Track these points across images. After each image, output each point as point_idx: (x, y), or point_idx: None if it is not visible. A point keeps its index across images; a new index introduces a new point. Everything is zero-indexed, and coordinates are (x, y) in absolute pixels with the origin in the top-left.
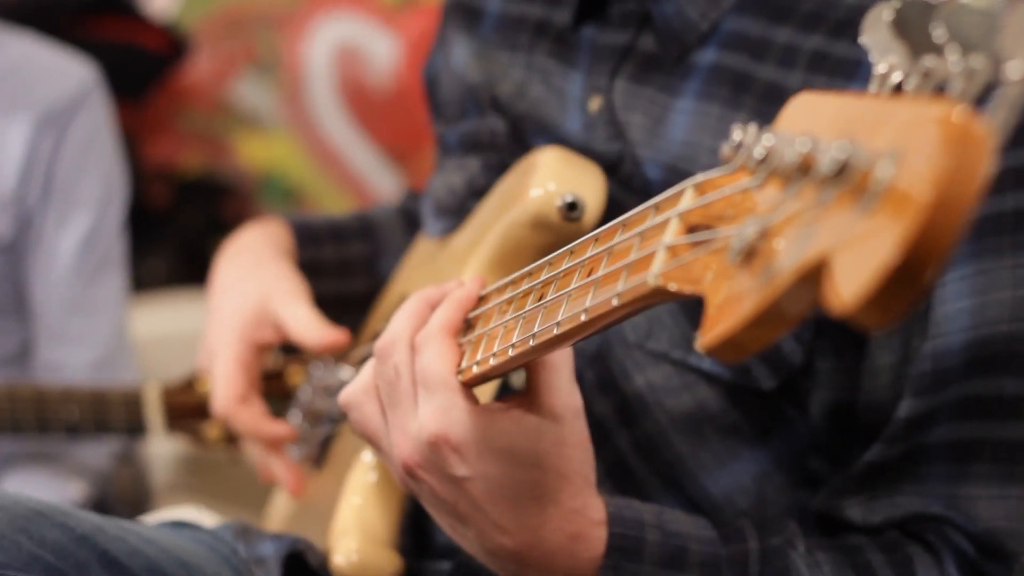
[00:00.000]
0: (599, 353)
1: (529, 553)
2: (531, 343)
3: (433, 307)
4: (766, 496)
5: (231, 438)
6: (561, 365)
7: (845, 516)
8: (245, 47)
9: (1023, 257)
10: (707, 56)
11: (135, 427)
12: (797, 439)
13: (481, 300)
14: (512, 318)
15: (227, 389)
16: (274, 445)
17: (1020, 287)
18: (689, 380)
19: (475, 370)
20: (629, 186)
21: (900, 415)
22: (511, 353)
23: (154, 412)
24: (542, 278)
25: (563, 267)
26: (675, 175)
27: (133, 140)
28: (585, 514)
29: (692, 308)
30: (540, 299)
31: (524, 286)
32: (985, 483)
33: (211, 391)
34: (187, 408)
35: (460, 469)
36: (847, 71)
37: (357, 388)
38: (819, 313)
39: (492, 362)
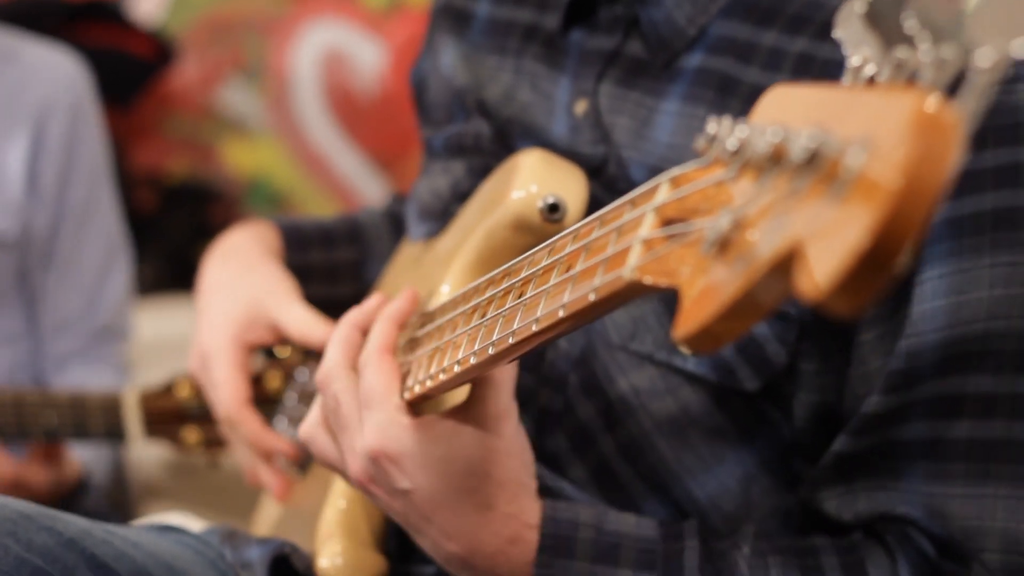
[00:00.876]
0: (583, 357)
1: (473, 558)
2: (510, 340)
3: (361, 329)
4: (752, 499)
5: (209, 443)
6: (501, 378)
7: (823, 508)
8: (231, 53)
9: (1001, 256)
10: (694, 60)
11: (113, 432)
12: (781, 442)
13: (436, 311)
14: (474, 327)
15: (231, 392)
16: (266, 452)
17: (997, 286)
18: (673, 383)
19: (416, 390)
20: (614, 188)
21: (866, 410)
22: (456, 370)
23: (132, 417)
24: (522, 276)
25: (542, 264)
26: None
27: (119, 146)
28: (519, 518)
29: (677, 309)
30: (520, 297)
31: (504, 284)
32: (960, 481)
33: (210, 395)
34: (166, 413)
35: (403, 482)
36: (832, 73)
37: (310, 423)
38: (804, 315)
39: (441, 378)
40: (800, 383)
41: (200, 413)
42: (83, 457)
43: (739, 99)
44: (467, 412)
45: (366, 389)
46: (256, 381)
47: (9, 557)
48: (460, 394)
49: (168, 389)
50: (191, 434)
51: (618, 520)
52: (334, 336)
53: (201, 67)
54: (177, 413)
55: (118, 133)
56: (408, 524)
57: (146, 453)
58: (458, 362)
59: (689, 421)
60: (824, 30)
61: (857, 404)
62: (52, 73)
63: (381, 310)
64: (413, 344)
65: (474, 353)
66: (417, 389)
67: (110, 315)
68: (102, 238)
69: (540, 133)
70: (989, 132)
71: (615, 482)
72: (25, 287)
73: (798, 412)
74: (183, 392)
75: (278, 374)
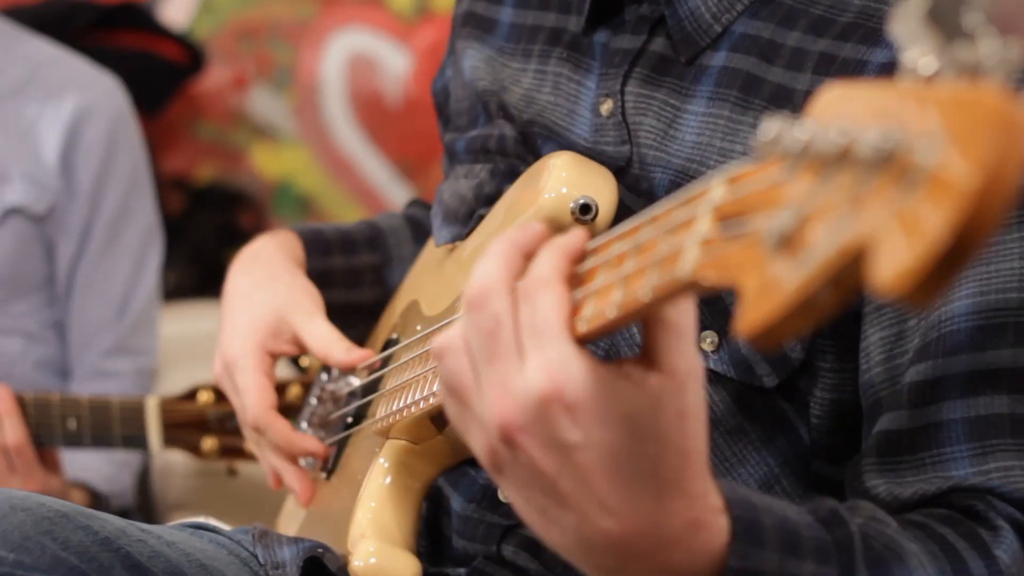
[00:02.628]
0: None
1: (639, 543)
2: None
3: (525, 254)
4: None
5: (227, 451)
6: (685, 328)
7: (876, 496)
8: (259, 58)
9: None
10: (718, 58)
11: (133, 439)
12: (800, 441)
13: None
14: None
15: (259, 398)
16: (293, 456)
17: None
18: None
19: (582, 328)
20: (636, 189)
21: (908, 380)
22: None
23: (152, 425)
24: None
25: (588, 265)
26: (684, 177)
27: (148, 149)
28: (706, 500)
29: (737, 307)
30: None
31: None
32: (1015, 455)
33: (234, 402)
34: (186, 421)
35: (572, 433)
36: (852, 70)
37: (453, 336)
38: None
39: (607, 315)
40: (817, 380)
41: (220, 422)
42: (99, 477)
43: (762, 98)
44: (650, 365)
45: (540, 317)
46: (279, 391)
47: (46, 556)
48: None
49: (189, 397)
50: (210, 443)
51: (775, 502)
52: (494, 251)
53: (229, 72)
54: (197, 421)
55: (147, 137)
56: (551, 491)
57: (167, 461)
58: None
59: (712, 422)
60: (847, 31)
61: (863, 379)
62: (95, 83)
63: (549, 239)
64: None
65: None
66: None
67: (134, 331)
68: (133, 250)
69: (562, 134)
70: None
71: None
72: (52, 287)
73: (815, 411)
74: (204, 400)
75: (299, 387)
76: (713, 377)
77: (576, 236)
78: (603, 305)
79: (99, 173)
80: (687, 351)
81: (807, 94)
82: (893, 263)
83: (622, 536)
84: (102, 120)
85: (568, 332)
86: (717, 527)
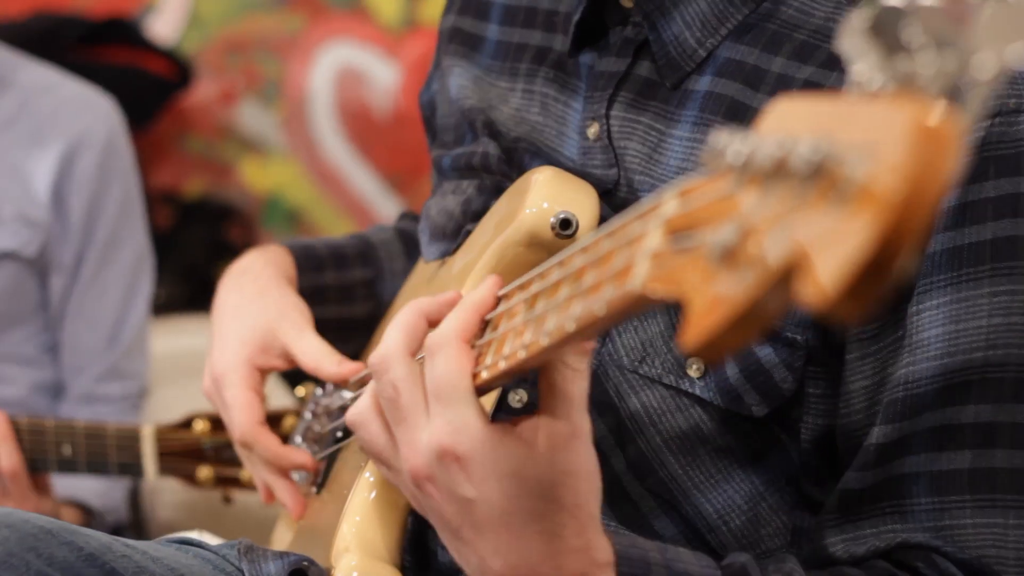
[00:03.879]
0: (595, 377)
1: None
2: (521, 355)
3: (427, 317)
4: (759, 515)
5: (223, 480)
6: (574, 391)
7: (829, 554)
8: (247, 72)
9: (1000, 285)
10: (703, 83)
11: (129, 467)
12: (789, 462)
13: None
14: (487, 340)
15: (246, 414)
16: (284, 470)
17: (996, 315)
18: (683, 403)
19: (484, 376)
20: (624, 212)
21: (872, 441)
22: (502, 366)
23: (148, 453)
24: (532, 290)
25: (552, 279)
26: None
27: (136, 164)
28: (588, 554)
29: (683, 320)
30: (531, 310)
31: (515, 299)
32: (969, 513)
33: (223, 417)
34: (181, 450)
35: (467, 489)
36: None
37: (360, 408)
38: (811, 340)
39: (501, 366)
40: (807, 407)
41: (215, 451)
42: (92, 494)
43: (747, 124)
44: (540, 427)
45: (438, 377)
46: (275, 420)
47: (30, 571)
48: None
49: (185, 425)
50: (205, 471)
51: (680, 558)
52: (397, 320)
53: (217, 86)
54: (193, 450)
55: (135, 152)
56: (453, 531)
57: (160, 488)
58: (486, 368)
59: (698, 439)
60: (831, 59)
61: (842, 423)
62: (88, 109)
63: (460, 299)
64: None
65: (486, 368)
66: None
67: (125, 356)
68: (124, 277)
69: (551, 154)
70: (991, 162)
71: (626, 499)
72: (47, 313)
73: (805, 435)
74: (200, 429)
75: (295, 418)
76: (699, 401)
77: (483, 289)
78: (512, 347)
79: (91, 204)
80: (575, 414)
81: None
82: (822, 275)
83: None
84: (94, 150)
85: (466, 389)
86: None
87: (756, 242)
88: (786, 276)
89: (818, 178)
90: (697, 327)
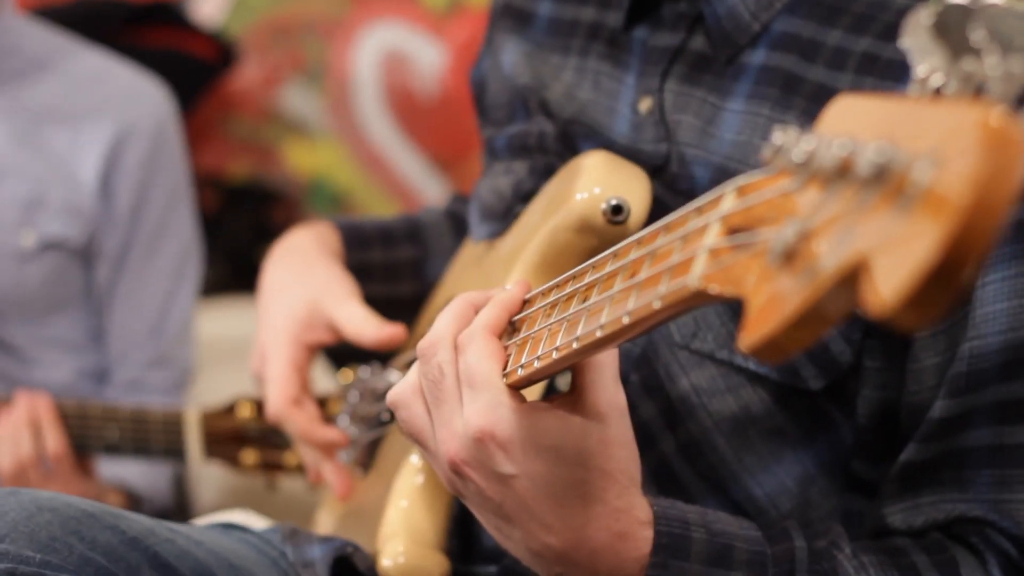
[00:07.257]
0: (644, 356)
1: (575, 553)
2: (575, 346)
3: (477, 309)
4: (809, 499)
5: (267, 465)
6: (606, 365)
7: (887, 524)
8: (292, 55)
9: None
10: (758, 57)
11: (173, 451)
12: (840, 442)
13: (526, 303)
14: (556, 321)
15: (280, 391)
16: (326, 449)
17: None
18: (734, 382)
19: (520, 373)
20: (675, 187)
21: (934, 415)
22: (555, 356)
23: (193, 437)
24: (586, 281)
25: (606, 270)
26: (723, 175)
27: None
28: (631, 513)
29: (739, 308)
30: (584, 302)
31: (568, 289)
32: None
33: (264, 395)
34: (226, 434)
35: (506, 467)
36: (896, 74)
37: (403, 388)
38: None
39: (537, 365)
40: (864, 380)
41: (260, 435)
42: (137, 477)
43: (803, 97)
44: (575, 401)
45: (469, 366)
46: (321, 404)
47: (73, 556)
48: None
49: (229, 409)
50: (249, 456)
51: (723, 520)
52: (449, 308)
53: (262, 69)
54: (237, 434)
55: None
56: (499, 512)
57: (204, 473)
58: (521, 366)
59: (749, 420)
60: (889, 30)
61: (911, 400)
62: (139, 98)
63: (497, 294)
64: None
65: (538, 357)
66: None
67: (170, 345)
68: (170, 267)
69: (601, 131)
70: None
71: (675, 481)
72: (92, 299)
73: (862, 410)
74: (244, 413)
75: (341, 401)
76: (754, 377)
77: (516, 288)
78: (564, 339)
79: (138, 194)
80: (608, 387)
81: None
82: (885, 282)
83: (560, 548)
84: (143, 139)
85: (496, 375)
86: (641, 538)
87: (817, 243)
88: (847, 280)
89: (883, 182)
90: (756, 328)
